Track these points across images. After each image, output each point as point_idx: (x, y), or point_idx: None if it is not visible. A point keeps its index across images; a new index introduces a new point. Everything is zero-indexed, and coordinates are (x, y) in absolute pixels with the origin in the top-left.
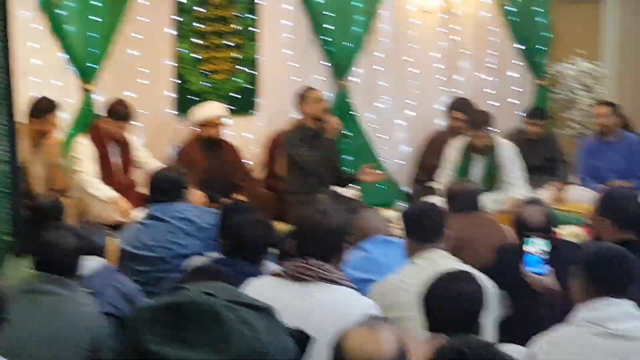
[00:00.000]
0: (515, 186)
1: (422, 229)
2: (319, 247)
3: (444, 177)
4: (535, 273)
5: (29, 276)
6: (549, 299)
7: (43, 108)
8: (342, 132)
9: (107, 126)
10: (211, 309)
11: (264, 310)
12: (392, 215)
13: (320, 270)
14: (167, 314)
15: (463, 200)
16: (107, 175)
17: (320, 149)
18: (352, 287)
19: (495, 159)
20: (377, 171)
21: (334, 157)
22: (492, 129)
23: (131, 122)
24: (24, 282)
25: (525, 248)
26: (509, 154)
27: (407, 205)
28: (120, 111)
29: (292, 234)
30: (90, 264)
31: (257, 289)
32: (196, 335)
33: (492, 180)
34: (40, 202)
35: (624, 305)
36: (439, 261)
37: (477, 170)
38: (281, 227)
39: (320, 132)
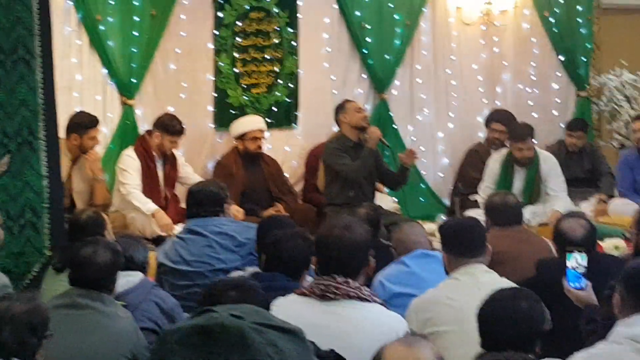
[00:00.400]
0: (557, 198)
1: (463, 244)
2: (344, 264)
3: (484, 190)
4: (574, 288)
5: (64, 291)
6: (589, 314)
7: (83, 124)
8: (383, 140)
9: (159, 141)
10: (238, 331)
11: (293, 333)
12: (433, 228)
13: (347, 288)
14: (194, 336)
15: (504, 213)
16: (152, 189)
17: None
18: (380, 304)
19: (536, 171)
20: (412, 149)
21: (377, 167)
22: (533, 140)
23: (182, 137)
24: (59, 297)
25: (566, 263)
26: (550, 166)
27: (446, 219)
28: (175, 126)
29: (316, 249)
30: (129, 279)
31: (284, 308)
32: (222, 358)
33: (534, 192)
34: (79, 217)
35: None
36: (480, 276)
37: (519, 182)
38: None
39: (360, 143)
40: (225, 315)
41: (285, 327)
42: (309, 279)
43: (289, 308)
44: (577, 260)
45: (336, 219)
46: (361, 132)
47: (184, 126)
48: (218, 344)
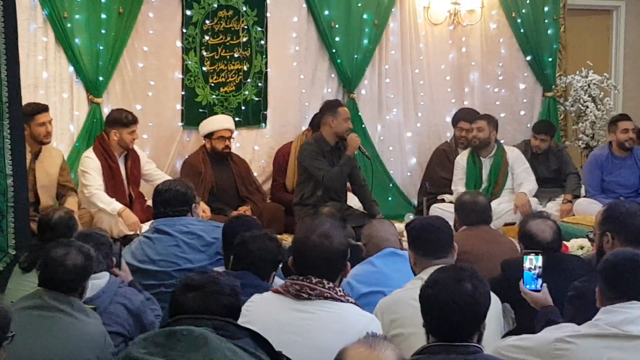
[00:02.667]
0: (524, 182)
1: (429, 244)
2: (322, 270)
3: (456, 183)
4: (530, 289)
5: (33, 292)
6: (546, 315)
7: (27, 111)
8: (362, 149)
9: (117, 137)
10: (202, 335)
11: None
12: (402, 227)
13: (321, 289)
14: (160, 336)
15: (473, 213)
16: (115, 188)
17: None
18: (353, 303)
19: (502, 159)
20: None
21: (353, 173)
22: (484, 124)
23: (137, 125)
24: (27, 298)
25: (524, 264)
26: (516, 155)
27: (413, 218)
28: (127, 117)
29: (293, 252)
30: (95, 282)
31: (259, 306)
32: (182, 352)
33: (499, 179)
34: (51, 217)
35: None
36: None
37: (486, 172)
38: (289, 239)
39: (338, 147)
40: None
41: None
42: (278, 281)
43: (263, 304)
44: (532, 262)
45: (314, 223)
46: (340, 139)
47: (134, 115)
48: (181, 341)
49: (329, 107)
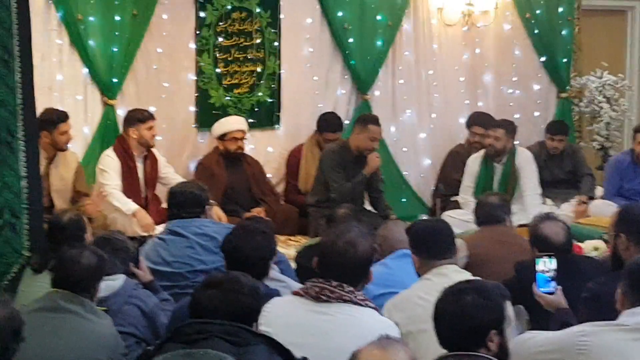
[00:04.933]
0: (528, 197)
1: (431, 246)
2: (344, 276)
3: (464, 190)
4: (544, 292)
5: (46, 293)
6: (560, 318)
7: (52, 119)
8: (378, 172)
9: (137, 135)
10: (218, 355)
11: None
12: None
13: (341, 292)
14: (179, 357)
15: (488, 213)
16: (132, 189)
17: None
18: (373, 308)
19: (512, 165)
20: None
21: (372, 183)
22: (503, 133)
23: (155, 121)
24: (40, 299)
25: (536, 267)
26: (523, 159)
27: (413, 222)
28: (142, 113)
29: (319, 254)
30: (110, 283)
31: (278, 308)
32: None
33: (509, 185)
34: (60, 219)
35: None
36: (453, 276)
37: (498, 178)
38: (303, 241)
39: (360, 158)
40: (212, 353)
41: None
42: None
43: (283, 306)
44: (546, 264)
45: (342, 228)
46: (360, 154)
47: (150, 112)
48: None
49: (363, 120)
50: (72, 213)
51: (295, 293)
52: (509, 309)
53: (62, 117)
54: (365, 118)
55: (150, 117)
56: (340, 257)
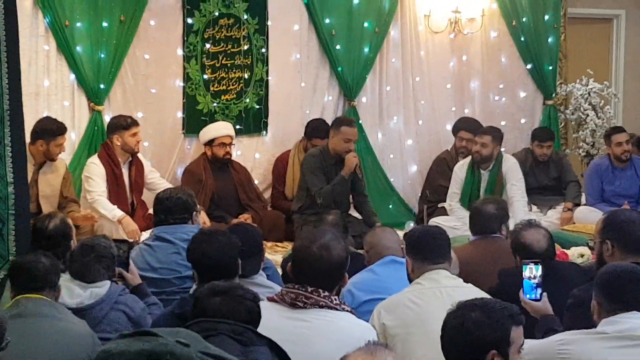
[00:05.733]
0: (515, 204)
1: (427, 250)
2: (319, 281)
3: (451, 196)
4: (530, 299)
5: (13, 302)
6: (546, 324)
7: (51, 130)
8: (357, 169)
9: (120, 142)
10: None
11: None
12: (402, 235)
13: (317, 298)
14: None
15: (479, 221)
16: (118, 195)
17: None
18: (349, 312)
19: (498, 171)
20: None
21: (356, 186)
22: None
23: (139, 127)
24: (9, 308)
25: (524, 273)
26: (509, 166)
27: (414, 225)
28: (126, 120)
29: (292, 260)
30: (94, 291)
31: None
32: None
33: (495, 193)
34: (47, 226)
35: None
36: (443, 281)
37: (484, 185)
38: (289, 247)
39: (341, 164)
40: (172, 342)
41: (226, 358)
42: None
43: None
44: (532, 271)
45: (315, 233)
46: (338, 156)
47: (133, 117)
48: None
49: (336, 123)
50: (58, 218)
51: (271, 299)
52: (517, 333)
53: (61, 129)
54: (339, 121)
55: (133, 123)
56: (315, 261)
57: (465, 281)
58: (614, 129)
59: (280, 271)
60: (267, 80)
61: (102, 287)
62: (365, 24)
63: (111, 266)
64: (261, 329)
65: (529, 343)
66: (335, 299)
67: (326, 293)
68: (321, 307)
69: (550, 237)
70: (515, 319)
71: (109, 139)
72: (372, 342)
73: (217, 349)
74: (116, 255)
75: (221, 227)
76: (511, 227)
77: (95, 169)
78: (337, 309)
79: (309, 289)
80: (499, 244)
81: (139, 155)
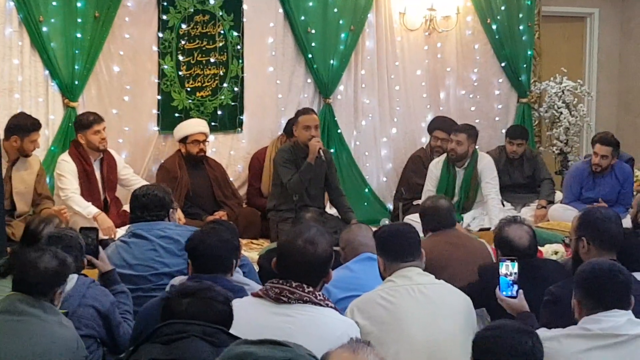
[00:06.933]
0: (490, 201)
1: (397, 249)
2: (303, 275)
3: (426, 194)
4: (506, 296)
5: (5, 296)
6: (522, 321)
7: (26, 127)
8: (320, 152)
9: (84, 141)
10: None
11: None
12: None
13: (301, 293)
14: None
15: (436, 217)
16: (90, 192)
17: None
18: (332, 308)
19: (473, 169)
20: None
21: (326, 177)
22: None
23: (104, 123)
24: (1, 302)
25: (500, 270)
26: (485, 164)
27: (381, 226)
28: (87, 117)
29: (277, 254)
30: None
31: (239, 310)
32: None
33: (470, 190)
34: (39, 231)
35: (625, 315)
36: (416, 278)
37: (459, 183)
38: (265, 244)
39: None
40: (305, 354)
41: None
42: (251, 283)
43: (243, 308)
44: (508, 268)
45: (301, 228)
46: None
47: (98, 115)
48: None
49: (295, 115)
50: (52, 225)
51: (255, 295)
52: None
53: (36, 125)
54: (297, 112)
55: (95, 121)
56: (300, 256)
57: (432, 272)
58: (599, 138)
59: (256, 268)
60: (243, 77)
61: (70, 282)
62: (341, 22)
63: (79, 256)
64: (245, 325)
65: None
66: (320, 295)
67: (310, 288)
68: (305, 302)
69: (533, 234)
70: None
71: (79, 136)
72: (354, 339)
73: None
74: (85, 245)
75: (196, 225)
76: (486, 224)
77: (66, 166)
78: (321, 305)
79: (294, 284)
80: (456, 232)
81: (112, 151)
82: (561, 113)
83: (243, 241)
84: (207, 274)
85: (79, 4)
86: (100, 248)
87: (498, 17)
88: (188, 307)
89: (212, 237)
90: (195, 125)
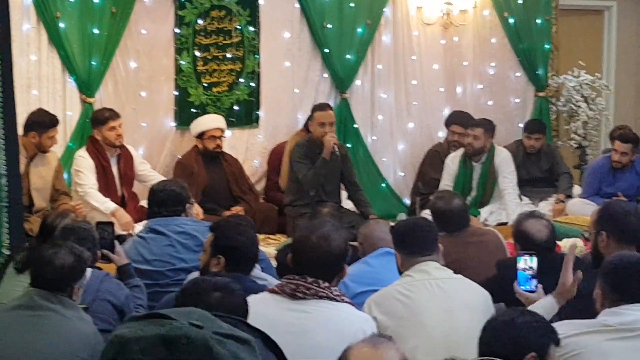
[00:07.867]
0: (507, 196)
1: (414, 243)
2: (318, 271)
3: (443, 189)
4: (525, 290)
5: (24, 291)
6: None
7: (44, 123)
8: (335, 147)
9: (100, 137)
10: (203, 343)
11: (248, 343)
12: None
13: (316, 288)
14: (159, 346)
15: (450, 220)
16: (108, 188)
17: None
18: (349, 303)
19: (490, 164)
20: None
21: (343, 171)
22: (481, 132)
23: (120, 119)
24: (19, 298)
25: (518, 265)
26: (502, 158)
27: (398, 221)
28: (103, 114)
29: (292, 250)
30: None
31: (255, 307)
32: None
33: (488, 185)
34: (55, 226)
35: None
36: (434, 273)
37: (477, 177)
38: (282, 239)
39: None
40: (187, 325)
41: (239, 337)
42: (269, 278)
43: (260, 305)
44: (526, 262)
45: (315, 223)
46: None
47: (114, 111)
48: (184, 356)
49: (311, 111)
50: (70, 219)
51: (271, 291)
52: (554, 351)
53: (54, 121)
54: (313, 108)
55: (110, 117)
56: (314, 252)
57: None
58: (619, 135)
59: (274, 263)
60: (259, 73)
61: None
62: (357, 16)
63: (92, 249)
64: (261, 321)
65: None
66: (335, 290)
67: (326, 284)
68: (321, 297)
69: (552, 228)
70: (555, 339)
71: (95, 132)
72: (375, 334)
73: (229, 326)
74: (100, 238)
75: (213, 220)
76: (503, 219)
77: (83, 162)
78: (337, 300)
79: (309, 280)
80: (470, 230)
81: (129, 147)
82: (579, 107)
83: (260, 236)
84: (241, 272)
85: (95, 0)
86: (116, 242)
87: (515, 11)
88: (221, 300)
89: (247, 235)
90: (211, 121)
